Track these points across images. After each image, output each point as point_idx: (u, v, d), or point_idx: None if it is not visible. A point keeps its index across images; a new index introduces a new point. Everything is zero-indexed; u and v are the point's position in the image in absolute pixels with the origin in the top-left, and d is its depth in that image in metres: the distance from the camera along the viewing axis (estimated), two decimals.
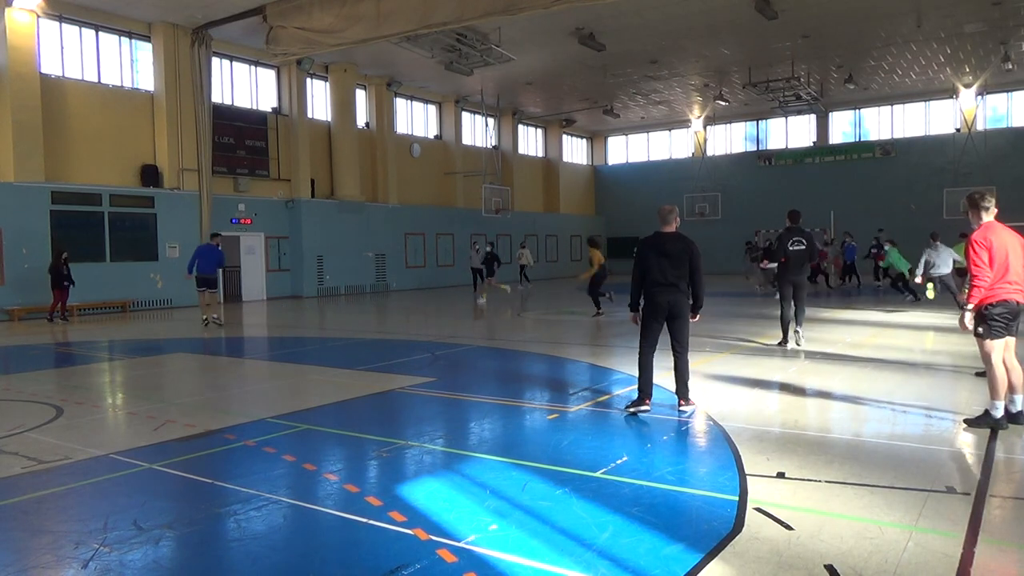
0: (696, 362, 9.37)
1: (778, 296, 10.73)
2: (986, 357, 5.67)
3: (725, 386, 7.74)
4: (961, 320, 5.81)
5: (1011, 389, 5.78)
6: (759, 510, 4.05)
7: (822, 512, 4.04)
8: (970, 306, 5.68)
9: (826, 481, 4.55)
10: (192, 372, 10.03)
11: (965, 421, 5.78)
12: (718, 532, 3.76)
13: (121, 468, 5.15)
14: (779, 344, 10.41)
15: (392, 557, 3.55)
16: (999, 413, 5.60)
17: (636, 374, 6.65)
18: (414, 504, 4.28)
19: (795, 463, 4.93)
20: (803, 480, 4.59)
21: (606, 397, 7.40)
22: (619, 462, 5.04)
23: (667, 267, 6.34)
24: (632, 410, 6.47)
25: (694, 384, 7.89)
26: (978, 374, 7.90)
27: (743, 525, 3.85)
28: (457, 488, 4.57)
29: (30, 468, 5.19)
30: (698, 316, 6.61)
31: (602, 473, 4.80)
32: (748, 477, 4.63)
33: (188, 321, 17.06)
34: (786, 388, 7.64)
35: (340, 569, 3.48)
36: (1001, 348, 5.66)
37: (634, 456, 5.18)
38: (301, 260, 24.48)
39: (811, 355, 9.71)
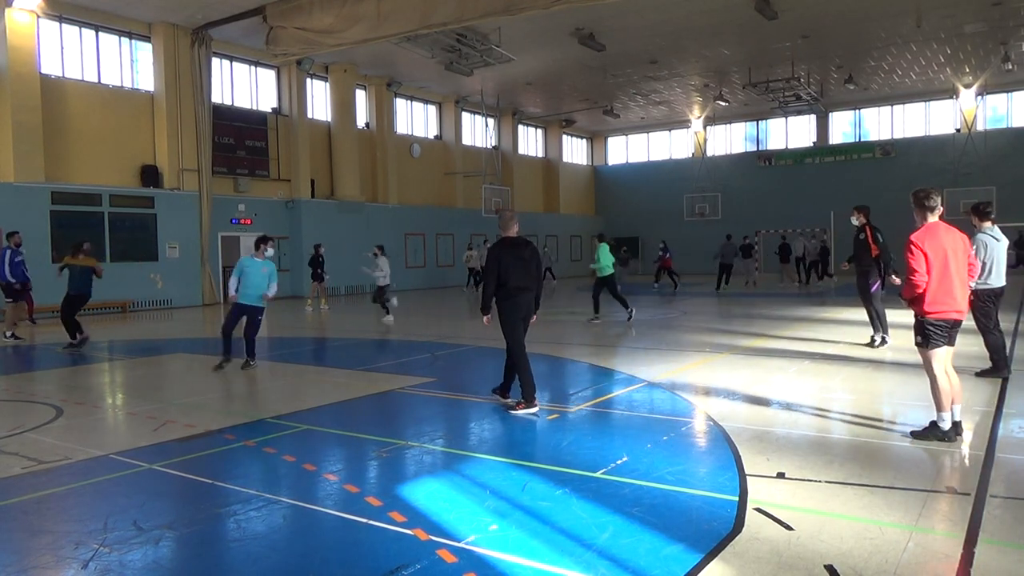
0: (696, 362, 9.38)
1: (872, 292, 10.23)
2: (928, 366, 5.46)
3: (725, 386, 7.74)
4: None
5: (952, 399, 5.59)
6: (759, 510, 4.05)
7: (822, 512, 4.04)
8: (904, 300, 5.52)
9: (826, 481, 4.55)
10: (192, 372, 10.03)
11: (912, 433, 5.50)
12: (718, 532, 3.76)
13: (121, 468, 5.15)
14: (871, 343, 10.27)
15: (392, 557, 3.55)
16: (947, 425, 5.36)
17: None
18: (414, 504, 4.28)
19: (795, 463, 4.93)
20: (803, 480, 4.59)
21: (606, 397, 7.40)
22: (619, 462, 5.04)
23: (523, 271, 6.64)
24: (523, 411, 6.57)
25: (696, 384, 7.90)
26: (977, 374, 7.90)
27: (743, 525, 3.85)
28: (457, 488, 4.57)
29: (30, 468, 5.19)
30: (536, 316, 6.94)
31: (602, 473, 4.80)
32: (748, 477, 4.63)
33: (188, 322, 17.06)
34: (786, 388, 7.64)
35: (340, 569, 3.48)
36: (943, 357, 5.43)
37: (634, 456, 5.18)
38: (301, 260, 24.43)
39: (811, 355, 9.70)
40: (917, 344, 5.50)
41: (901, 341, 11.01)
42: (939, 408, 5.38)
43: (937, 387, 5.37)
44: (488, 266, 6.67)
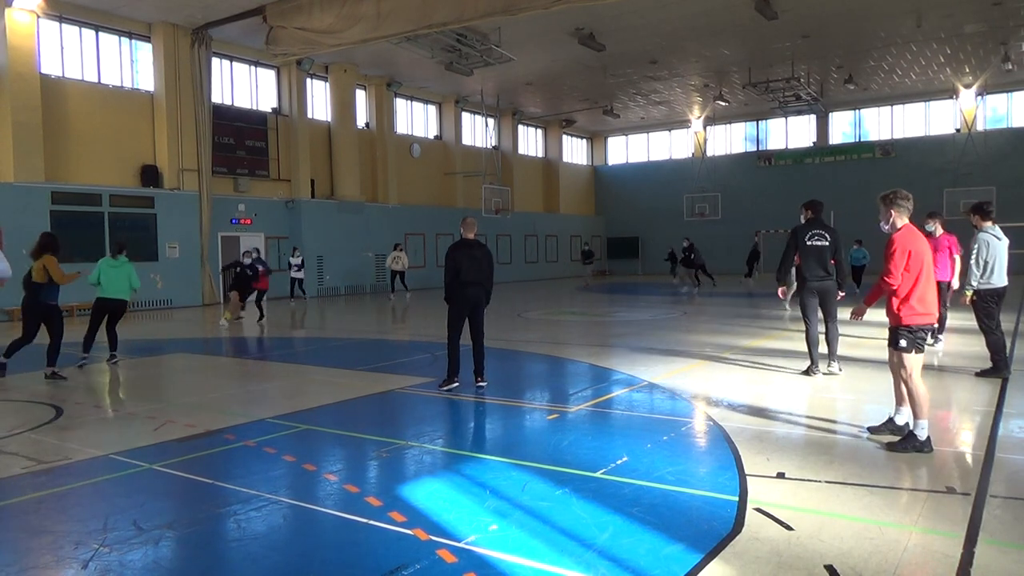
0: (696, 362, 9.38)
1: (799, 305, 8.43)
2: (907, 373, 5.26)
3: (725, 386, 7.74)
4: (859, 312, 5.76)
5: (899, 401, 5.52)
6: (759, 510, 4.05)
7: (822, 512, 4.04)
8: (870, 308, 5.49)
9: (826, 481, 4.55)
10: (192, 372, 10.03)
11: (888, 446, 5.25)
12: (718, 532, 3.76)
13: (121, 468, 5.15)
14: (805, 372, 8.27)
15: (392, 557, 3.55)
16: (925, 434, 5.12)
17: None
18: (414, 504, 4.28)
19: (795, 463, 4.93)
20: (803, 480, 4.59)
21: (606, 397, 7.41)
22: (619, 462, 5.04)
23: (474, 268, 7.68)
24: (445, 388, 7.69)
25: (695, 384, 7.91)
26: (977, 374, 7.90)
27: (743, 525, 3.85)
28: (457, 488, 4.57)
29: (30, 468, 5.19)
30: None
31: (602, 473, 4.80)
32: (748, 477, 4.63)
33: (188, 322, 17.05)
34: (786, 388, 7.64)
35: (340, 569, 3.48)
36: (920, 363, 5.30)
37: (634, 456, 5.18)
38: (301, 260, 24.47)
39: None
40: (900, 349, 5.28)
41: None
42: (918, 416, 5.19)
43: (919, 394, 5.19)
44: (447, 263, 7.73)
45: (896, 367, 5.44)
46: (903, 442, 5.20)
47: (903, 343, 5.28)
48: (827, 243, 8.11)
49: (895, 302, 5.30)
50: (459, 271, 7.63)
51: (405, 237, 28.32)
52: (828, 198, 32.36)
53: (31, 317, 9.15)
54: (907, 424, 5.40)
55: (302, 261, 21.75)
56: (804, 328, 8.33)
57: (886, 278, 5.29)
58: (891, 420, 5.59)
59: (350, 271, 26.18)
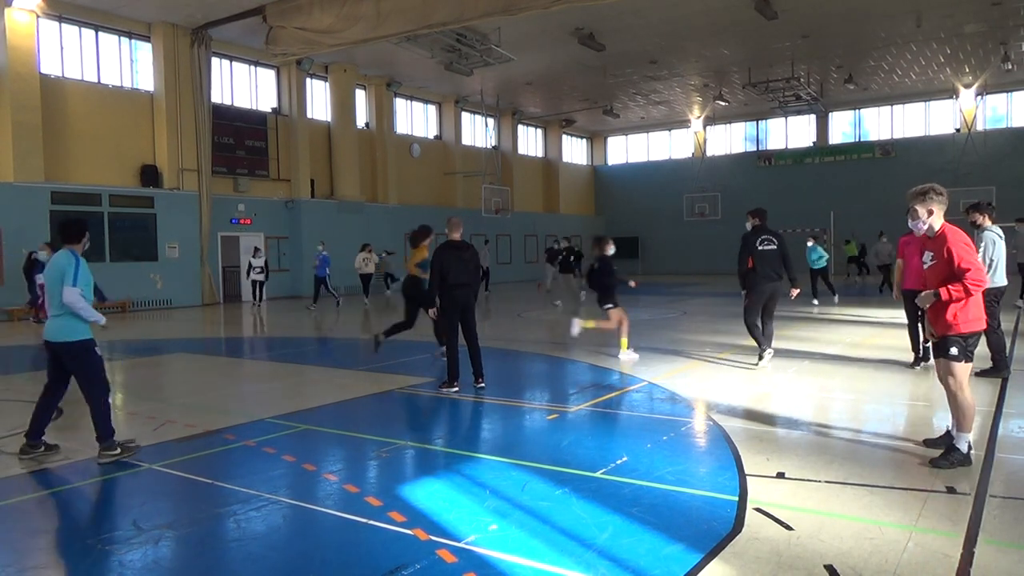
0: (696, 362, 9.38)
1: (744, 306, 9.12)
2: (958, 383, 4.81)
3: (725, 386, 7.74)
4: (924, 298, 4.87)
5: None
6: (759, 510, 4.05)
7: (822, 512, 4.04)
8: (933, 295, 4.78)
9: (826, 481, 4.55)
10: (192, 372, 10.03)
11: (932, 462, 4.81)
12: (718, 532, 3.76)
13: (121, 468, 5.15)
14: (760, 358, 8.86)
15: (392, 557, 3.55)
16: (966, 447, 4.80)
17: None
18: (414, 504, 4.28)
19: (795, 463, 4.93)
20: (803, 480, 4.59)
21: (606, 397, 7.41)
22: (619, 462, 5.04)
23: (462, 270, 7.64)
24: (446, 391, 7.58)
25: (695, 384, 7.91)
26: (977, 374, 7.88)
27: (743, 525, 3.85)
28: (457, 488, 4.57)
29: (30, 468, 5.20)
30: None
31: (602, 473, 4.80)
32: (748, 477, 4.63)
33: (188, 322, 17.06)
34: (786, 388, 7.64)
35: (340, 569, 3.48)
36: (969, 372, 4.90)
37: (634, 456, 5.18)
38: (301, 260, 24.46)
39: (811, 355, 9.69)
40: (951, 358, 4.81)
41: (903, 340, 11.00)
42: (962, 428, 4.81)
43: (967, 405, 4.80)
44: (433, 266, 7.65)
45: (944, 378, 4.92)
46: (945, 456, 4.82)
47: (954, 351, 4.80)
48: (775, 247, 8.84)
49: (952, 308, 4.77)
50: (446, 274, 7.53)
51: (405, 237, 28.30)
52: (828, 198, 32.64)
53: (408, 302, 10.15)
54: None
55: (265, 262, 20.25)
56: (744, 317, 9.05)
57: (976, 276, 4.64)
58: (949, 434, 5.10)
59: (350, 271, 26.14)
